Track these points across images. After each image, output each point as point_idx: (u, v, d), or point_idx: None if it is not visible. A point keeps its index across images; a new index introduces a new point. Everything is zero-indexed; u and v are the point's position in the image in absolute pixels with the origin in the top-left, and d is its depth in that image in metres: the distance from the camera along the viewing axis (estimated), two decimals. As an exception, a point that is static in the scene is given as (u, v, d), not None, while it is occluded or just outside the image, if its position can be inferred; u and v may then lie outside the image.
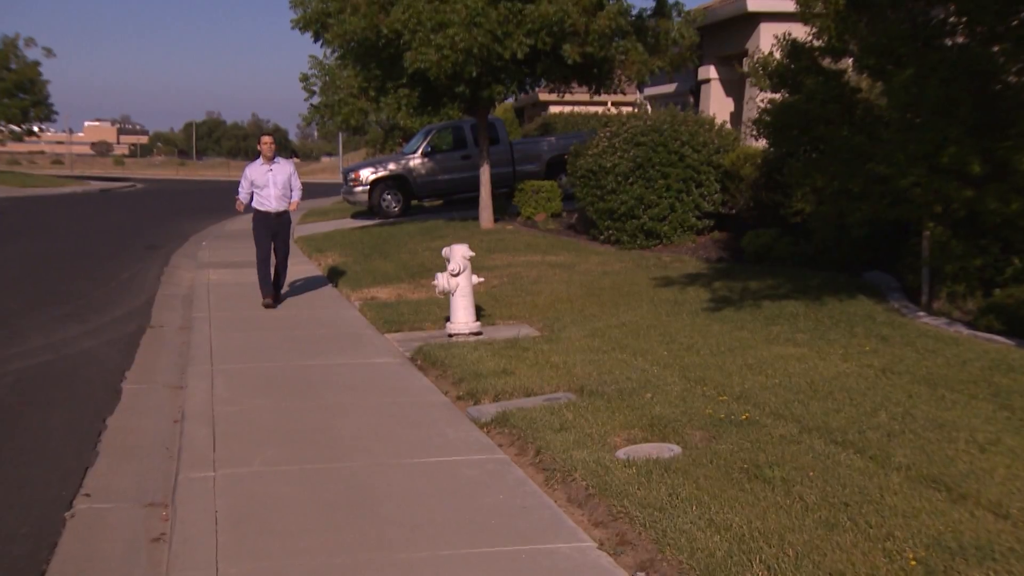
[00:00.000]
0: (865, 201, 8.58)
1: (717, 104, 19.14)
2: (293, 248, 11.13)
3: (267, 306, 10.74)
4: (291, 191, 10.98)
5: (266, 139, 10.96)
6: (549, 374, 7.15)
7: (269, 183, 10.85)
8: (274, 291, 10.96)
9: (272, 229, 10.97)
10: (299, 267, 14.17)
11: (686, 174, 14.07)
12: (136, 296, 12.38)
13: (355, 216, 24.45)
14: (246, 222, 20.39)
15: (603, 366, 7.27)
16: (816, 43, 9.59)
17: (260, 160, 10.93)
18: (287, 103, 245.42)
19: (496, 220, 18.07)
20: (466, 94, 16.23)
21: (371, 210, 23.19)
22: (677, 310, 9.29)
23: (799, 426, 5.52)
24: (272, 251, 11.05)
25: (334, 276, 13.44)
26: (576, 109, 29.85)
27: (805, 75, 9.55)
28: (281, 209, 10.94)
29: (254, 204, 10.97)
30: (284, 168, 10.96)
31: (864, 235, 9.89)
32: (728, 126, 15.43)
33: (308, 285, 12.68)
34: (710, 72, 19.41)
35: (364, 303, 11.03)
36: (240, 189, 10.98)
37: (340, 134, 43.77)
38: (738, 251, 12.84)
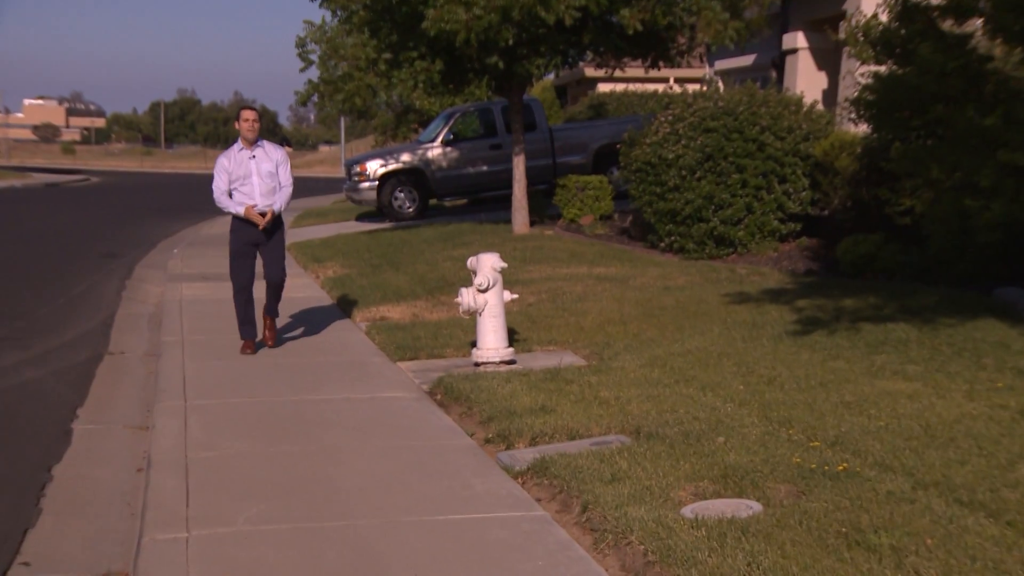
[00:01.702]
0: (996, 198, 8.49)
1: (806, 80, 19.07)
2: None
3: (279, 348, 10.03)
4: (279, 182, 9.92)
5: (248, 114, 9.86)
6: (598, 412, 7.12)
7: (252, 172, 9.79)
8: (266, 313, 10.15)
9: (256, 240, 9.92)
10: (293, 280, 14.23)
11: (767, 167, 14.02)
12: (91, 316, 12.50)
13: (360, 218, 24.59)
14: (228, 225, 20.58)
15: (664, 403, 7.24)
16: (934, 0, 9.51)
17: (239, 144, 9.86)
18: (277, 80, 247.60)
19: (532, 224, 18.10)
20: (498, 68, 16.27)
21: (380, 211, 23.34)
22: (755, 334, 9.24)
23: (912, 481, 5.45)
24: (259, 273, 10.01)
25: (335, 291, 13.50)
26: (631, 87, 29.89)
27: (919, 41, 9.46)
28: (268, 209, 9.86)
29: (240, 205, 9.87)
30: (271, 154, 9.91)
31: (995, 241, 9.76)
32: (820, 107, 15.36)
33: (303, 303, 12.75)
34: (797, 40, 19.34)
35: (372, 324, 11.07)
36: (215, 185, 9.86)
37: (342, 117, 44.05)
38: (832, 261, 12.75)
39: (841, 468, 5.66)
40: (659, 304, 11.02)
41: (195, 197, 38.16)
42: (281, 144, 10.75)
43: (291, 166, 10.30)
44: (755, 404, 7.06)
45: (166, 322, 11.63)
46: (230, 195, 9.86)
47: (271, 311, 10.22)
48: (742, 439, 6.28)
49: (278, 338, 10.41)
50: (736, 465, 5.80)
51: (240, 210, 9.79)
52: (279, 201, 9.91)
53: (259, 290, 10.02)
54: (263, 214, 9.79)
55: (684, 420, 6.75)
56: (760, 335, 9.20)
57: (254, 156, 9.84)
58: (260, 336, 10.15)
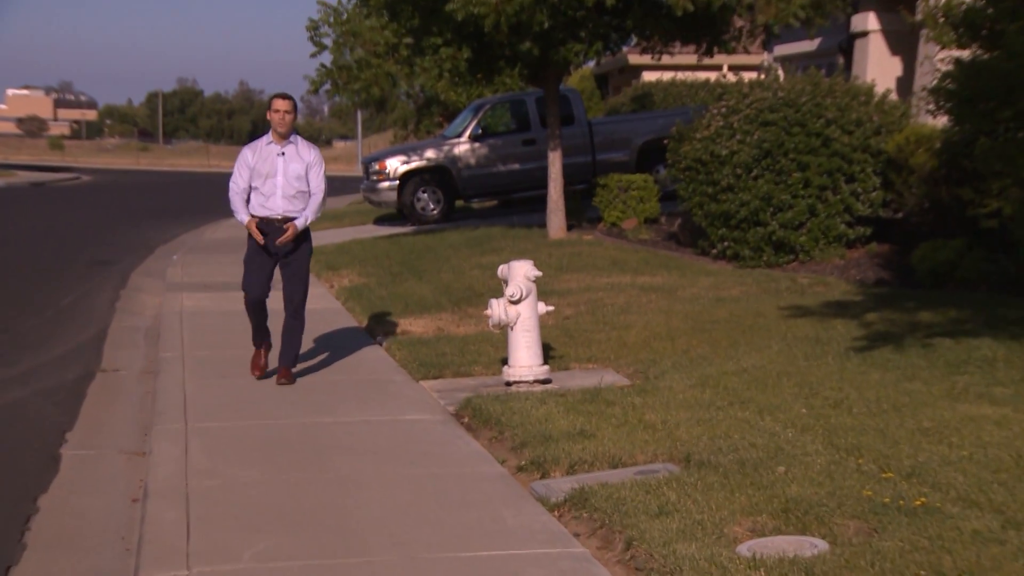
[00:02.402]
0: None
1: (878, 66, 18.99)
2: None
3: (285, 382, 9.34)
4: (307, 192, 9.38)
5: (280, 103, 9.29)
6: (643, 438, 7.11)
7: (277, 171, 9.27)
8: (281, 360, 9.46)
9: (276, 248, 9.35)
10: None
11: (832, 164, 13.96)
12: (82, 329, 12.58)
13: (379, 221, 24.68)
14: (234, 229, 20.54)
15: (717, 427, 7.22)
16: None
17: (268, 137, 9.39)
18: (287, 68, 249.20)
19: (570, 228, 18.10)
20: (532, 55, 16.28)
21: (401, 213, 23.42)
22: (820, 351, 9.19)
23: (1001, 519, 5.40)
24: (280, 287, 9.52)
25: (351, 302, 13.54)
26: (679, 75, 29.86)
27: (1009, 22, 9.37)
28: (291, 216, 9.29)
29: (251, 208, 9.39)
30: (303, 153, 9.36)
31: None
32: (893, 97, 15.28)
33: (316, 315, 12.76)
34: (868, 22, 19.28)
35: (392, 339, 11.10)
36: (232, 181, 9.40)
37: (359, 109, 44.19)
38: (906, 270, 12.68)
39: (919, 503, 5.61)
40: (711, 317, 10.99)
41: (197, 197, 38.41)
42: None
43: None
44: (819, 430, 7.02)
45: (165, 336, 11.70)
46: (248, 196, 9.37)
47: (287, 358, 9.46)
48: (805, 469, 6.24)
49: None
50: (799, 498, 5.76)
51: (244, 219, 9.36)
52: (307, 212, 9.36)
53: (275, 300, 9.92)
54: (284, 229, 9.24)
55: (739, 447, 6.72)
56: (825, 352, 9.15)
57: (283, 153, 9.33)
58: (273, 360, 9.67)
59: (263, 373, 9.58)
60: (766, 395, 7.96)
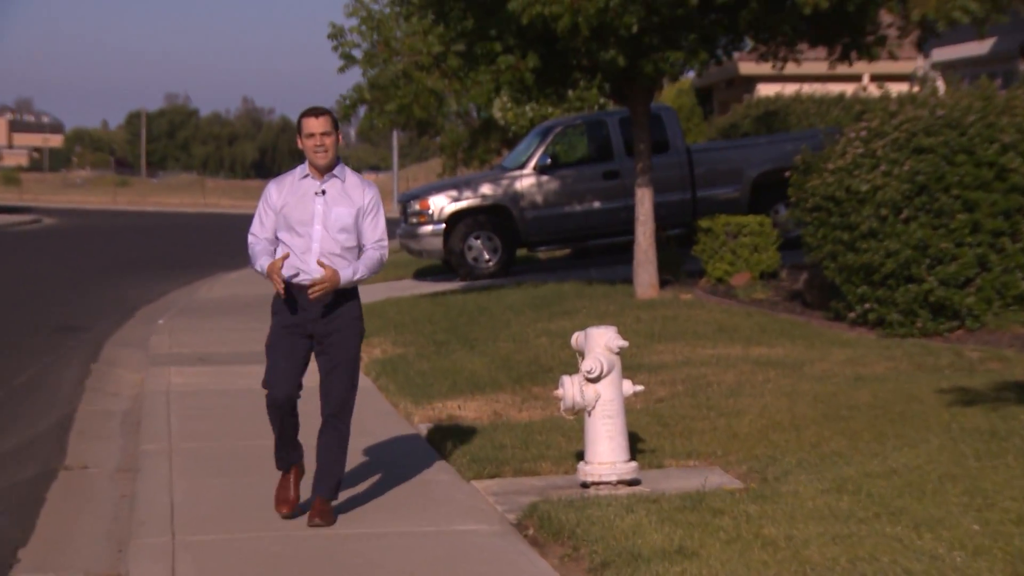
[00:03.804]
0: None
1: (1068, 76, 18.85)
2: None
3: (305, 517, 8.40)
4: (358, 245, 8.47)
5: (314, 123, 8.29)
6: (761, 558, 7.05)
7: (314, 218, 8.33)
8: (317, 489, 8.48)
9: (310, 326, 8.43)
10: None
11: (1010, 203, 13.88)
12: (41, 414, 12.68)
13: (420, 275, 24.81)
14: (236, 284, 20.70)
15: (859, 547, 7.14)
16: None
17: (303, 168, 8.48)
18: (302, 81, 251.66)
19: (663, 284, 18.09)
20: (617, 65, 16.32)
21: (448, 265, 23.52)
22: (996, 449, 9.09)
23: None
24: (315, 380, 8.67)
25: (385, 379, 13.58)
26: (805, 88, 29.89)
27: None
28: (327, 278, 8.18)
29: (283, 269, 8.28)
30: (355, 193, 8.43)
31: None
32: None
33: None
34: (1057, 17, 19.15)
35: (436, 427, 11.11)
36: (252, 230, 8.50)
37: (395, 132, 44.54)
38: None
39: None
40: (848, 402, 10.91)
41: (189, 245, 38.77)
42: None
43: None
44: (999, 553, 6.91)
45: (147, 423, 11.77)
46: (275, 250, 8.43)
47: (325, 487, 8.49)
48: (979, 604, 6.16)
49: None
50: (969, 642, 5.69)
51: (263, 265, 8.33)
52: (360, 265, 8.42)
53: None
54: (305, 284, 8.23)
55: (890, 573, 6.65)
56: (1004, 450, 9.04)
57: (323, 191, 8.38)
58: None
59: (293, 509, 8.57)
60: (924, 505, 7.86)
